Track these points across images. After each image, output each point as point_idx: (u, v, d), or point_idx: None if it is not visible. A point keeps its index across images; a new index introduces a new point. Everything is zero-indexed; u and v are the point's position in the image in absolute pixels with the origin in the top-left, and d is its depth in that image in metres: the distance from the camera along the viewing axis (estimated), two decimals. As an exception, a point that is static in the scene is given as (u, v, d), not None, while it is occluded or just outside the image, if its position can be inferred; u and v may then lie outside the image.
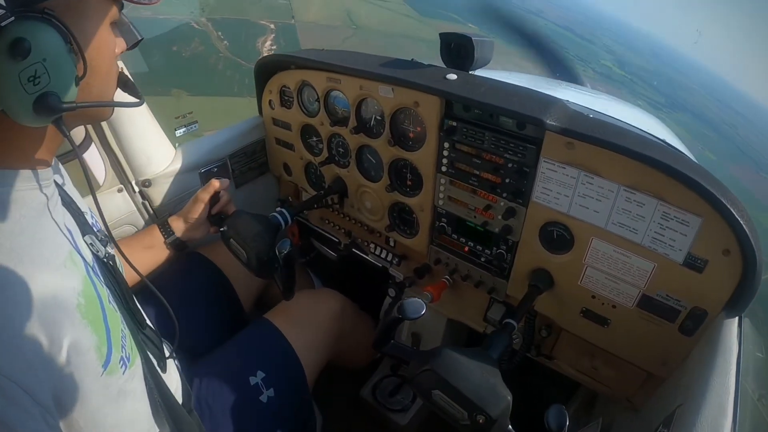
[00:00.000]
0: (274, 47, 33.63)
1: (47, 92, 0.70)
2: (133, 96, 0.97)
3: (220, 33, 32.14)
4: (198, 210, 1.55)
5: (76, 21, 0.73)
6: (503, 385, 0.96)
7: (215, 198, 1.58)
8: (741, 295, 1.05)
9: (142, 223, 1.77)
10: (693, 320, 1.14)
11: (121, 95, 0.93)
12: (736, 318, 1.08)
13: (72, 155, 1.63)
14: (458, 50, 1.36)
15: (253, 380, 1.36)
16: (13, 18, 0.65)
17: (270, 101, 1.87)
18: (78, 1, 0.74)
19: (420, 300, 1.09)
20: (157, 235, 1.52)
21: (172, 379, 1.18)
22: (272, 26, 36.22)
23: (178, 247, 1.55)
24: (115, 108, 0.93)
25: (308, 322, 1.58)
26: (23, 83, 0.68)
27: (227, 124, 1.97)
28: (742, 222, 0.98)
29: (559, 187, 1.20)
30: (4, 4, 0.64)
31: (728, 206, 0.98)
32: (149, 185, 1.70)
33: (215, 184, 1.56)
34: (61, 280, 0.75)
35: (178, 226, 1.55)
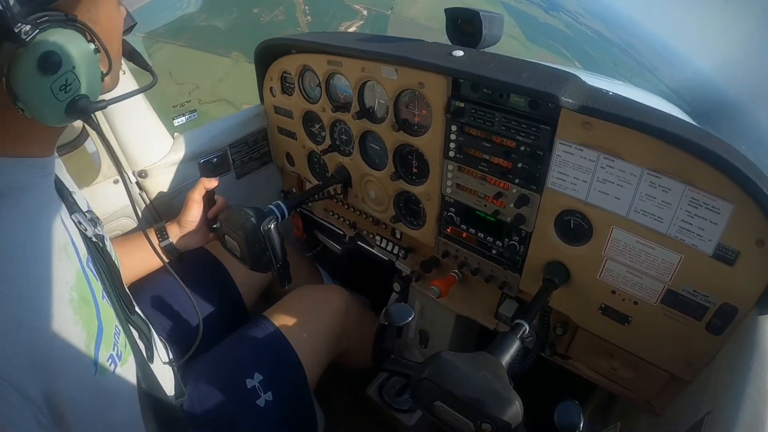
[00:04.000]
0: (356, 34, 33.14)
1: (78, 96, 0.71)
2: (144, 69, 0.99)
3: (307, 7, 31.20)
4: (192, 212, 1.49)
5: (91, 13, 0.72)
6: (510, 389, 0.88)
7: (210, 200, 1.52)
8: None
9: (139, 214, 1.73)
10: (722, 318, 1.05)
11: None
12: None
13: (69, 148, 1.60)
14: (465, 27, 1.28)
15: (250, 383, 1.31)
16: (38, 31, 0.63)
17: (271, 88, 1.81)
18: None
19: (407, 305, 1.03)
20: (152, 239, 1.45)
21: (165, 375, 1.14)
22: (365, 12, 34.97)
23: (173, 252, 1.49)
24: None
25: (310, 321, 1.53)
26: (55, 93, 0.68)
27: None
28: None
29: (576, 172, 1.12)
30: (22, 15, 0.61)
31: (764, 191, 0.89)
32: (146, 176, 1.66)
33: (205, 182, 1.50)
34: (55, 274, 0.73)
35: (174, 231, 1.49)
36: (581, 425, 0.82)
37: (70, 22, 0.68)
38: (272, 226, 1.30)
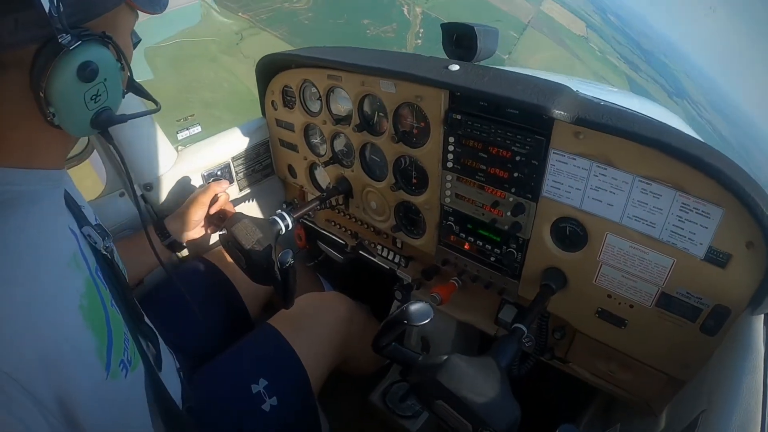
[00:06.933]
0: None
1: (104, 108, 0.77)
2: (147, 99, 1.02)
3: (422, 30, 28.89)
4: (195, 211, 1.53)
5: (116, 37, 0.77)
6: (511, 398, 0.91)
7: (214, 199, 1.57)
8: (767, 291, 0.98)
9: (145, 226, 1.75)
10: (715, 319, 1.07)
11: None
12: (762, 316, 1.01)
13: (75, 160, 1.63)
14: (461, 41, 1.32)
15: (255, 388, 1.33)
16: (80, 42, 0.68)
17: (273, 102, 1.84)
18: (114, 16, 0.77)
19: (428, 304, 1.01)
20: (153, 237, 1.47)
21: (172, 381, 1.16)
22: (481, 50, 33.86)
23: (176, 248, 1.53)
24: None
25: (313, 327, 1.54)
26: (86, 102, 0.73)
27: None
28: (766, 212, 0.91)
29: (570, 180, 1.15)
30: (69, 29, 0.67)
31: (751, 195, 0.92)
32: (151, 189, 1.68)
33: (214, 186, 1.55)
34: (65, 281, 0.75)
35: (174, 227, 1.53)
36: None
37: (106, 39, 0.74)
38: (289, 264, 1.26)
